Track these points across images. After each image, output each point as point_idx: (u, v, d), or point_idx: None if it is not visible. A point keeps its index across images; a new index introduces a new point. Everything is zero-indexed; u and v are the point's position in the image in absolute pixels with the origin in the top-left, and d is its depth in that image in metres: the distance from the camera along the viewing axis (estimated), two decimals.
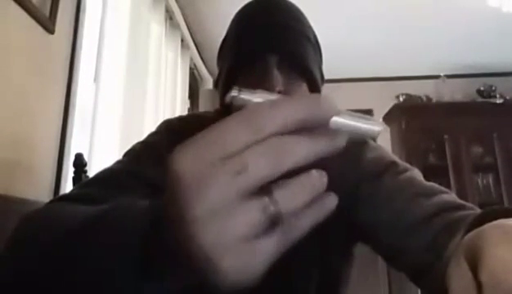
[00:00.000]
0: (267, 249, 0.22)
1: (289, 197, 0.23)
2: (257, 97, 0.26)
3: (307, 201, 0.23)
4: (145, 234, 0.27)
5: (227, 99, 0.26)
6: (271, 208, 0.22)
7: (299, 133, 0.23)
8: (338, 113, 0.24)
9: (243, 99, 0.26)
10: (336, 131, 0.25)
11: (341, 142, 0.25)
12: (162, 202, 0.25)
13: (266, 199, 0.22)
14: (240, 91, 0.26)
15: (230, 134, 0.22)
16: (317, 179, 0.24)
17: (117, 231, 0.29)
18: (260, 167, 0.22)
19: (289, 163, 0.22)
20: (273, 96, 0.26)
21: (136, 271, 0.27)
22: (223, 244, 0.21)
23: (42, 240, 0.35)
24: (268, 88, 0.58)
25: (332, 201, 0.25)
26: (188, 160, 0.22)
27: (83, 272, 0.29)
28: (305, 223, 0.24)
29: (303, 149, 0.23)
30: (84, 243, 0.30)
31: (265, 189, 0.22)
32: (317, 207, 0.24)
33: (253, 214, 0.22)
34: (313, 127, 0.24)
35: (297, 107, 0.23)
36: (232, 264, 0.21)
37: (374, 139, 0.28)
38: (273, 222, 0.22)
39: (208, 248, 0.21)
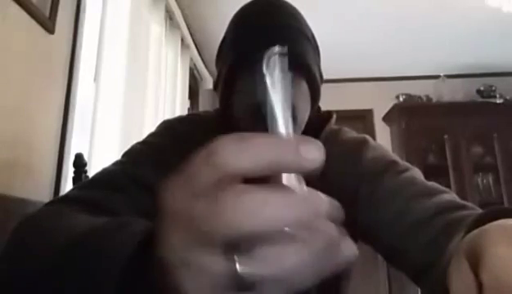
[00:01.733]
0: None
1: (266, 260, 0.19)
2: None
3: (303, 262, 0.20)
4: (128, 263, 0.26)
5: None
6: (236, 270, 0.19)
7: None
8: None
9: None
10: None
11: (326, 207, 0.21)
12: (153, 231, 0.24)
13: (228, 258, 0.19)
14: None
15: (196, 174, 0.20)
16: (324, 236, 0.20)
17: (102, 256, 0.28)
18: (215, 223, 0.19)
19: (252, 226, 0.19)
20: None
21: None
22: (188, 291, 0.20)
23: (35, 251, 0.36)
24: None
25: (350, 251, 0.21)
26: (169, 195, 0.21)
27: (67, 290, 0.29)
28: (302, 280, 0.20)
29: (273, 213, 0.19)
30: (71, 262, 0.30)
31: (237, 248, 0.19)
32: (325, 259, 0.21)
33: (211, 272, 0.19)
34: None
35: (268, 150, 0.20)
36: None
37: None
38: (242, 284, 0.19)
39: (178, 290, 0.20)
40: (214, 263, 0.19)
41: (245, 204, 0.19)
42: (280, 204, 0.19)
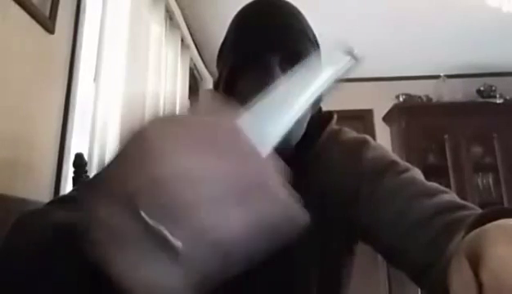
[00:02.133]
0: (162, 269, 0.19)
1: (193, 227, 0.19)
2: None
3: (236, 223, 0.19)
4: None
5: None
6: (160, 233, 0.19)
7: None
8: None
9: None
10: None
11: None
12: None
13: (152, 222, 0.19)
14: None
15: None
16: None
17: (74, 249, 0.29)
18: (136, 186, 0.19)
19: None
20: None
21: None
22: (118, 269, 0.20)
23: (20, 249, 0.37)
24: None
25: (300, 217, 0.20)
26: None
27: (43, 289, 0.30)
28: (229, 226, 0.19)
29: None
30: (48, 261, 0.31)
31: (162, 213, 0.19)
32: (271, 225, 0.20)
33: (133, 236, 0.19)
34: None
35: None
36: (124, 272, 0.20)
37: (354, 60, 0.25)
38: (166, 247, 0.19)
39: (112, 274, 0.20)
40: (127, 220, 0.19)
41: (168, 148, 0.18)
42: (210, 153, 0.19)
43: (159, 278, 0.20)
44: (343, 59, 0.26)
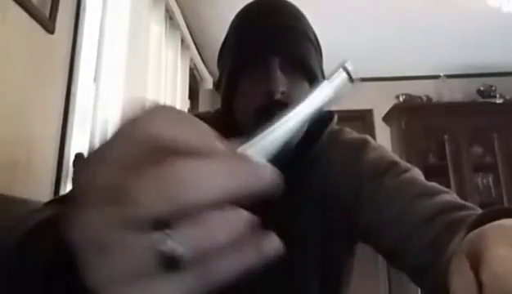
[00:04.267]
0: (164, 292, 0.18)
1: (197, 236, 0.18)
2: None
3: (224, 242, 0.18)
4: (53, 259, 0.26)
5: None
6: (165, 247, 0.17)
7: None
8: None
9: None
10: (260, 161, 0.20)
11: (267, 175, 0.20)
12: None
13: (157, 236, 0.17)
14: None
15: (122, 146, 0.18)
16: (239, 218, 0.19)
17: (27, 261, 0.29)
18: (147, 197, 0.17)
19: (190, 199, 0.17)
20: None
21: None
22: (105, 282, 0.18)
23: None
24: (271, 89, 0.58)
25: (272, 245, 0.20)
26: (89, 171, 0.19)
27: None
28: (226, 267, 0.19)
29: (212, 182, 0.18)
30: (10, 264, 0.31)
31: (165, 224, 0.18)
32: (248, 249, 0.19)
33: (137, 252, 0.17)
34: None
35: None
36: None
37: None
38: (171, 263, 0.18)
39: (93, 285, 0.18)
40: (142, 242, 0.17)
41: (180, 175, 0.17)
42: (220, 172, 0.18)
43: None
44: (340, 76, 0.29)
